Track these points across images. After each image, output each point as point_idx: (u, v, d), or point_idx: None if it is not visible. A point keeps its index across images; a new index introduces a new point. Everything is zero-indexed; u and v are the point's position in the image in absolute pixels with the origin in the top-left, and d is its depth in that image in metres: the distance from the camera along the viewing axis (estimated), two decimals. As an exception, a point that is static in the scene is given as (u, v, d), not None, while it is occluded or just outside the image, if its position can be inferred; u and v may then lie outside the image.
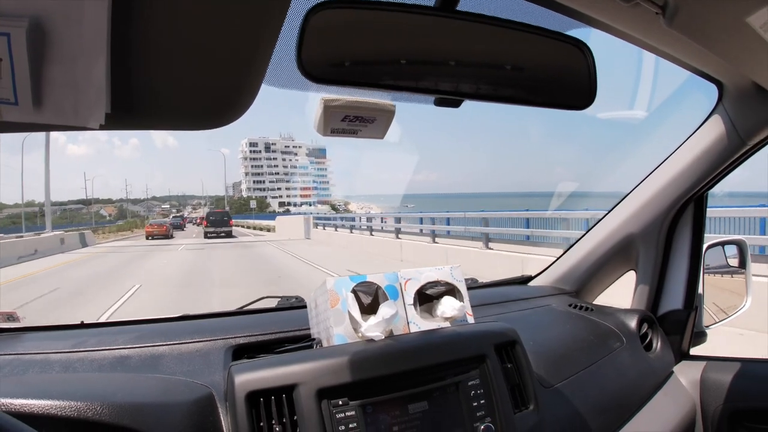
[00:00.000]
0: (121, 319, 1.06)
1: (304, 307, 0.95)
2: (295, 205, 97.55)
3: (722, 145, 1.15)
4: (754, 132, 1.11)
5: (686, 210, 1.32)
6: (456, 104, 0.61)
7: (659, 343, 1.29)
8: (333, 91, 0.62)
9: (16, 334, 0.94)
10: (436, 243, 12.06)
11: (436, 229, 12.74)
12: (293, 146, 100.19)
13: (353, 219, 22.87)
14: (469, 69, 0.59)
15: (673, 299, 1.33)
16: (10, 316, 1.27)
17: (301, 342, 0.89)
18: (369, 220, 19.54)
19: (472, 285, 1.39)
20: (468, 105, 0.65)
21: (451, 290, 0.89)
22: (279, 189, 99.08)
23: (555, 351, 1.08)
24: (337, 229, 20.72)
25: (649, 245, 1.33)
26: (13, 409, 0.61)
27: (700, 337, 1.36)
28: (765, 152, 1.20)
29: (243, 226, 43.30)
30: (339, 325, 0.80)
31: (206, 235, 27.22)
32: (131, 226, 51.62)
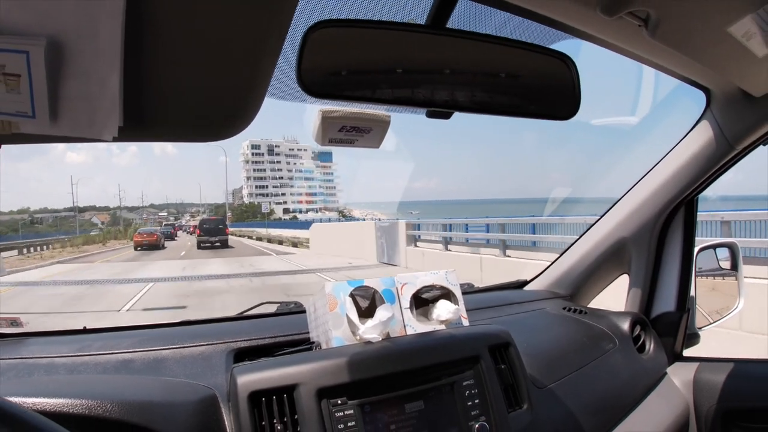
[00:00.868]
0: (123, 325, 1.08)
1: (303, 311, 0.97)
2: (300, 211, 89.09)
3: (711, 150, 1.18)
4: (741, 137, 1.14)
5: (677, 214, 1.35)
6: (447, 116, 0.64)
7: (652, 345, 1.32)
8: (330, 103, 0.66)
9: (19, 339, 0.96)
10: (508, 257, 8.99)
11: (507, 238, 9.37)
12: (298, 149, 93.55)
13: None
14: (459, 83, 0.63)
15: (666, 302, 1.36)
16: (14, 321, 1.30)
17: (301, 345, 0.91)
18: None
19: (468, 290, 1.42)
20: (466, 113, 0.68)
21: (447, 294, 0.92)
22: (283, 195, 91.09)
23: (549, 353, 1.11)
24: (448, 247, 11.38)
25: (641, 249, 1.36)
26: (25, 407, 0.63)
27: (693, 338, 1.38)
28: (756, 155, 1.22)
29: (250, 237, 33.81)
30: (337, 328, 0.83)
31: (199, 245, 24.41)
32: (104, 238, 40.45)
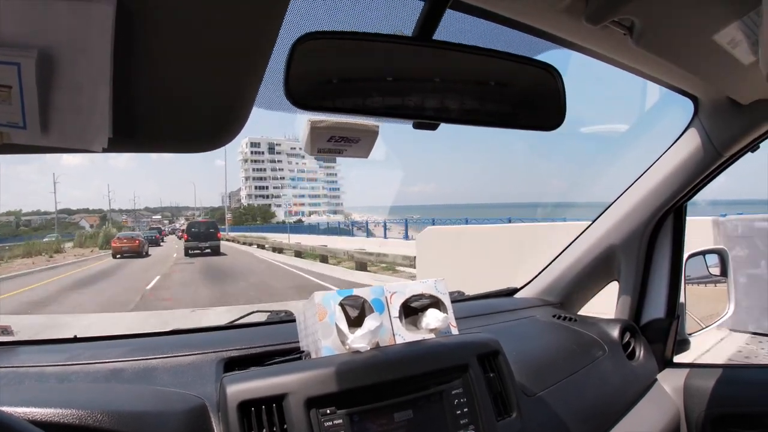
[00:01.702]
0: (113, 334, 1.08)
1: (294, 321, 0.97)
2: (302, 214, 79.73)
3: (699, 157, 1.20)
4: (729, 144, 1.16)
5: (666, 221, 1.36)
6: (433, 128, 0.65)
7: (642, 352, 1.33)
8: (320, 113, 0.66)
9: (9, 348, 0.95)
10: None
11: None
12: (300, 148, 79.77)
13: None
14: (446, 95, 0.64)
15: (656, 308, 1.37)
16: (4, 330, 1.29)
17: (291, 354, 0.91)
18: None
19: (459, 298, 1.43)
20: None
21: (436, 303, 0.92)
22: (285, 196, 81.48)
23: (538, 360, 1.11)
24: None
25: (630, 256, 1.37)
26: (16, 416, 0.63)
27: (683, 345, 1.39)
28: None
29: (261, 246, 25.05)
30: (327, 337, 0.83)
31: (187, 252, 20.58)
32: (48, 248, 28.38)
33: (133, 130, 0.53)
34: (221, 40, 0.50)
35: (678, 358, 1.40)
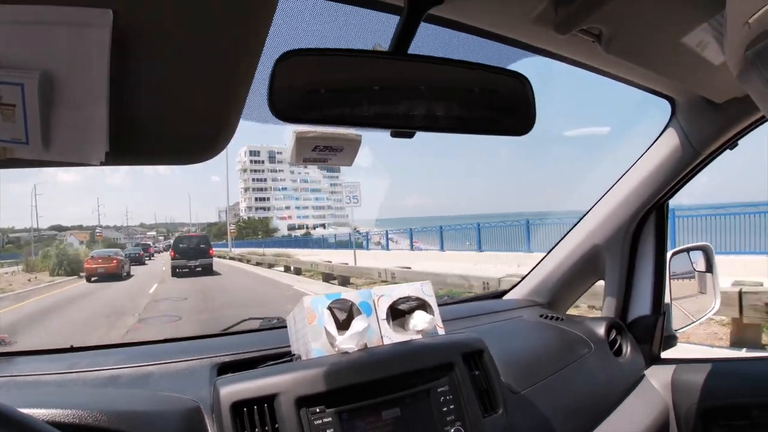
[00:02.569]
0: (109, 343, 1.11)
1: (285, 327, 1.00)
2: (306, 227, 74.69)
3: (678, 156, 1.23)
4: (706, 143, 1.19)
5: (648, 219, 1.39)
6: (410, 135, 0.69)
7: (629, 348, 1.35)
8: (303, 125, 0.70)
9: (6, 358, 0.97)
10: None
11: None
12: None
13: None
14: (420, 105, 0.67)
15: (641, 306, 1.39)
16: (1, 341, 1.30)
17: (283, 358, 0.94)
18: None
19: (447, 300, 1.46)
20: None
21: (422, 305, 0.96)
22: (287, 208, 76.10)
23: (524, 359, 1.14)
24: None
25: (615, 255, 1.40)
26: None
27: (670, 340, 1.41)
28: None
29: (288, 268, 17.17)
30: (316, 340, 0.86)
31: (174, 272, 17.24)
32: None
33: (128, 144, 0.57)
34: (209, 59, 0.53)
35: (666, 354, 1.42)
